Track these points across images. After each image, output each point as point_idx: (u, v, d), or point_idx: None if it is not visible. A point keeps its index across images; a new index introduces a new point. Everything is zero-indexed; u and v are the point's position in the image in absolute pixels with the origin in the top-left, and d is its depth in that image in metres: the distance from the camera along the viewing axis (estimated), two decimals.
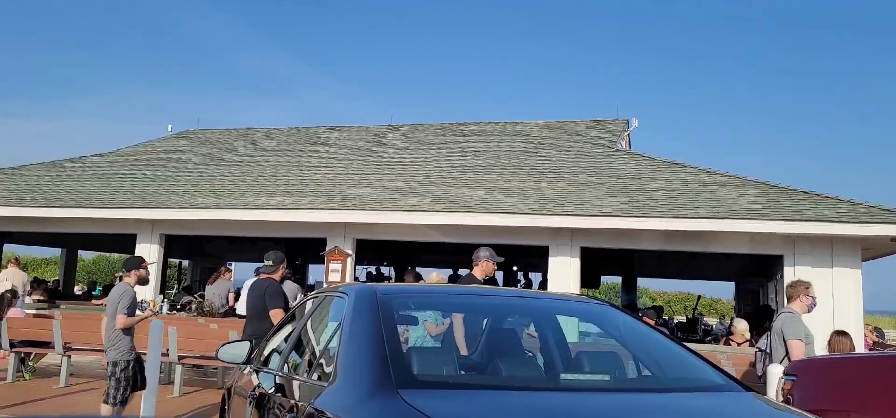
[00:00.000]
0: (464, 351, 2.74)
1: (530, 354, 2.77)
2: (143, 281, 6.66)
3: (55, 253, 32.89)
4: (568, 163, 12.73)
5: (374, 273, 16.90)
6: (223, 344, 4.21)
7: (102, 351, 9.24)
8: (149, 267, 6.82)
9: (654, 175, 11.43)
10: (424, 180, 12.14)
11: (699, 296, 19.33)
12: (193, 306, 11.66)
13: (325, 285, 11.45)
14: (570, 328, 3.36)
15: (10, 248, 17.96)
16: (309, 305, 3.77)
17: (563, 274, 10.30)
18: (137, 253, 12.09)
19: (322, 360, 2.87)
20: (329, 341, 2.89)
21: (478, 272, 6.37)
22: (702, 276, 21.02)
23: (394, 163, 13.74)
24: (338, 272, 11.20)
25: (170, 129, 18.81)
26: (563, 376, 2.38)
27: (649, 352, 2.78)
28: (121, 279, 6.47)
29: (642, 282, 23.80)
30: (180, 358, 8.44)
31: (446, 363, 2.55)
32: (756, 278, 18.59)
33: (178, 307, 12.13)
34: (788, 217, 9.21)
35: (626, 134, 16.13)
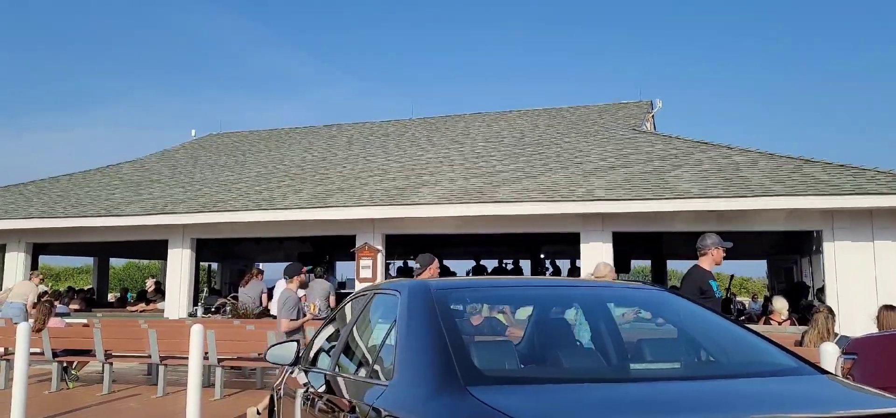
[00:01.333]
0: (526, 345, 2.69)
1: (591, 345, 2.71)
2: (304, 285, 7.33)
3: (86, 261, 33.47)
4: (595, 147, 12.60)
5: (403, 267, 16.91)
6: (271, 346, 4.21)
7: (141, 357, 9.39)
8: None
9: (684, 156, 11.26)
10: (450, 172, 12.10)
11: (732, 276, 18.97)
12: (227, 308, 11.76)
13: (356, 282, 11.48)
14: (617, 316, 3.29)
15: (44, 260, 18.29)
16: (357, 304, 3.75)
17: (596, 259, 10.17)
18: (169, 258, 12.23)
19: (377, 359, 2.85)
20: (384, 339, 2.86)
21: (706, 262, 5.55)
22: (732, 256, 20.66)
23: (418, 157, 13.71)
24: (369, 268, 11.21)
25: (193, 134, 19.00)
26: (632, 366, 2.33)
27: (713, 338, 2.71)
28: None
29: (671, 265, 23.50)
30: (220, 360, 8.50)
31: (509, 357, 2.50)
32: (789, 255, 18.29)
33: (212, 310, 12.24)
34: (826, 191, 9.02)
35: (650, 116, 15.94)
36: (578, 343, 2.76)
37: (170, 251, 12.16)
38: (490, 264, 18.83)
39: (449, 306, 2.62)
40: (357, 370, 3.23)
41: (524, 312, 3.00)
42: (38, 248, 13.58)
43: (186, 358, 9.26)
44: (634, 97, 16.87)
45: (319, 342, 4.22)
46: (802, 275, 17.89)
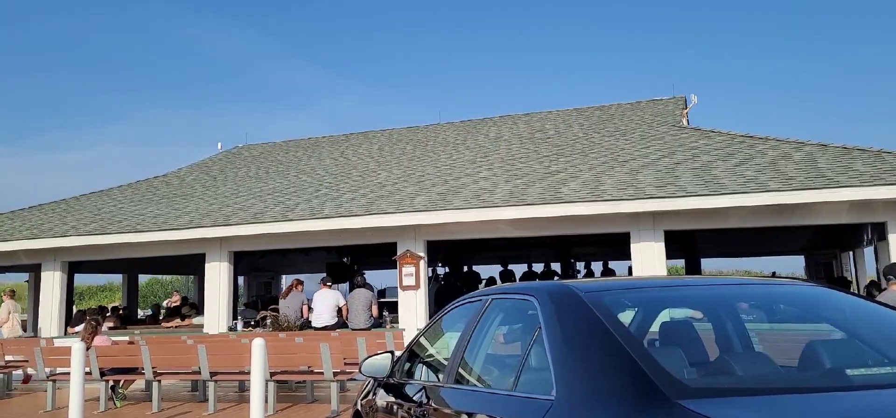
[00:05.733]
0: (709, 350, 2.44)
1: (785, 348, 2.46)
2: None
3: (109, 279, 33.44)
4: (636, 144, 12.32)
5: (442, 273, 16.65)
6: (366, 358, 3.98)
7: (188, 373, 9.19)
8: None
9: (733, 150, 10.96)
10: (491, 175, 11.85)
11: (773, 273, 18.66)
12: (268, 321, 11.56)
13: (399, 290, 11.24)
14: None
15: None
16: (464, 312, 3.49)
17: (648, 259, 9.92)
18: (207, 271, 12.04)
19: (520, 371, 2.59)
20: (527, 349, 2.61)
21: None
22: (767, 252, 20.35)
23: (453, 161, 13.48)
24: (411, 276, 10.97)
25: (219, 147, 18.89)
26: (848, 372, 2.07)
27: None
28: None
29: (705, 264, 23.11)
30: (271, 374, 8.28)
31: (701, 365, 2.25)
32: (828, 250, 17.89)
33: (253, 323, 12.04)
34: (891, 180, 8.69)
35: (684, 112, 15.64)
36: (762, 346, 2.50)
37: (207, 265, 11.98)
38: (516, 269, 18.53)
39: (610, 310, 2.37)
40: (487, 383, 2.98)
41: (683, 314, 2.74)
42: (73, 267, 13.44)
43: (235, 373, 9.13)
44: (665, 94, 16.58)
45: (415, 353, 3.98)
46: (843, 270, 17.50)
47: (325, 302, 11.36)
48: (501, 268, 18.17)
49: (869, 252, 15.85)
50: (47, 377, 9.30)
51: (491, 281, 16.05)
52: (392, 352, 4.05)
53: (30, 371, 10.43)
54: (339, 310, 11.29)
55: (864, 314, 2.66)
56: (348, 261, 17.42)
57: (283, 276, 21.20)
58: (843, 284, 14.72)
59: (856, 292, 12.38)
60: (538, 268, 18.66)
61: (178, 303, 17.04)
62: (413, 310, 10.93)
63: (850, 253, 16.89)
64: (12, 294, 13.36)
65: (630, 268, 10.46)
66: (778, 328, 2.67)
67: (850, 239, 15.84)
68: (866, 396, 1.88)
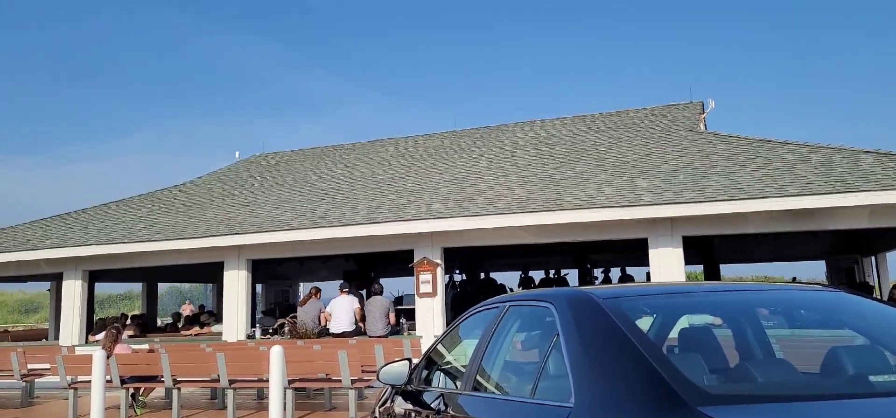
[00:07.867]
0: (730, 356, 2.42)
1: (786, 353, 2.43)
2: None
3: (128, 288, 33.81)
4: (654, 149, 12.25)
5: (459, 280, 16.66)
6: (383, 366, 3.98)
7: (207, 381, 9.25)
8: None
9: (752, 154, 10.86)
10: (506, 182, 11.84)
11: (794, 278, 18.45)
12: (286, 329, 11.62)
13: (416, 297, 11.26)
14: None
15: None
16: (482, 319, 3.49)
17: (667, 265, 9.85)
18: (226, 280, 12.14)
19: (538, 378, 2.59)
20: (545, 356, 2.60)
21: None
22: (788, 257, 20.11)
23: (470, 168, 13.49)
24: (428, 282, 10.99)
25: (237, 156, 19.05)
26: (871, 378, 2.05)
27: None
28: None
29: (724, 269, 22.88)
30: (290, 382, 8.31)
31: (725, 372, 2.23)
32: (849, 255, 17.64)
33: (271, 331, 12.11)
34: None
35: (702, 117, 15.52)
36: (782, 353, 2.48)
37: (226, 273, 12.08)
38: (535, 275, 18.48)
39: (629, 316, 2.36)
40: (505, 391, 2.98)
41: (702, 320, 2.73)
42: (94, 276, 13.61)
43: (253, 380, 9.17)
44: (679, 99, 16.48)
45: (433, 360, 3.99)
46: (865, 275, 17.24)
47: (344, 308, 11.40)
48: (521, 275, 18.15)
49: (892, 256, 15.66)
50: (69, 385, 9.42)
51: (501, 288, 16.00)
52: (410, 360, 4.06)
53: None
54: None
55: (886, 319, 2.62)
56: (365, 269, 17.49)
57: (301, 284, 21.32)
58: (865, 289, 14.51)
59: (878, 297, 12.15)
60: (563, 273, 18.66)
61: (190, 312, 17.21)
62: (430, 317, 10.94)
63: (873, 257, 16.67)
64: None
65: (648, 274, 10.38)
66: (799, 334, 2.64)
67: (871, 243, 15.63)
68: (890, 403, 1.85)
